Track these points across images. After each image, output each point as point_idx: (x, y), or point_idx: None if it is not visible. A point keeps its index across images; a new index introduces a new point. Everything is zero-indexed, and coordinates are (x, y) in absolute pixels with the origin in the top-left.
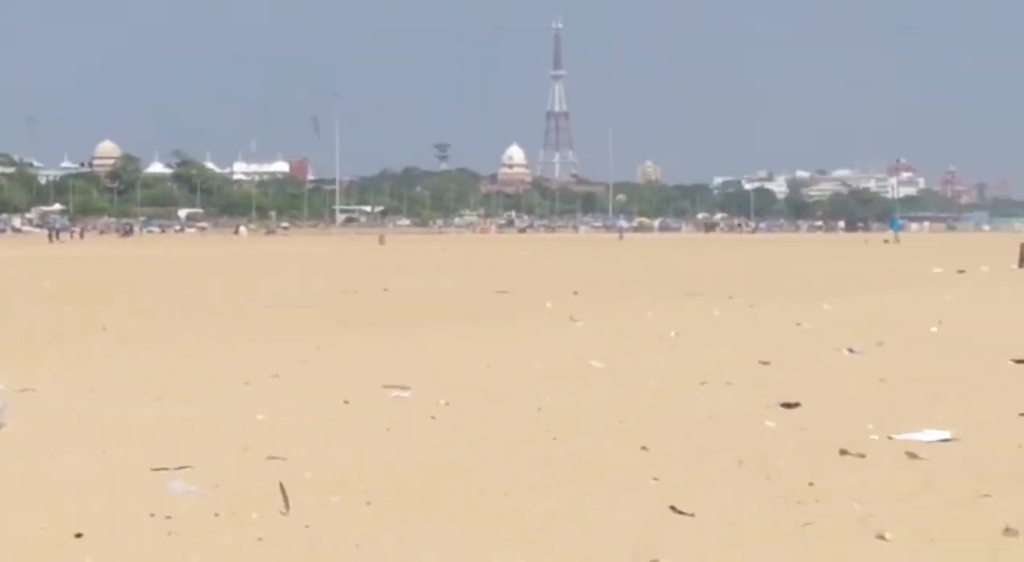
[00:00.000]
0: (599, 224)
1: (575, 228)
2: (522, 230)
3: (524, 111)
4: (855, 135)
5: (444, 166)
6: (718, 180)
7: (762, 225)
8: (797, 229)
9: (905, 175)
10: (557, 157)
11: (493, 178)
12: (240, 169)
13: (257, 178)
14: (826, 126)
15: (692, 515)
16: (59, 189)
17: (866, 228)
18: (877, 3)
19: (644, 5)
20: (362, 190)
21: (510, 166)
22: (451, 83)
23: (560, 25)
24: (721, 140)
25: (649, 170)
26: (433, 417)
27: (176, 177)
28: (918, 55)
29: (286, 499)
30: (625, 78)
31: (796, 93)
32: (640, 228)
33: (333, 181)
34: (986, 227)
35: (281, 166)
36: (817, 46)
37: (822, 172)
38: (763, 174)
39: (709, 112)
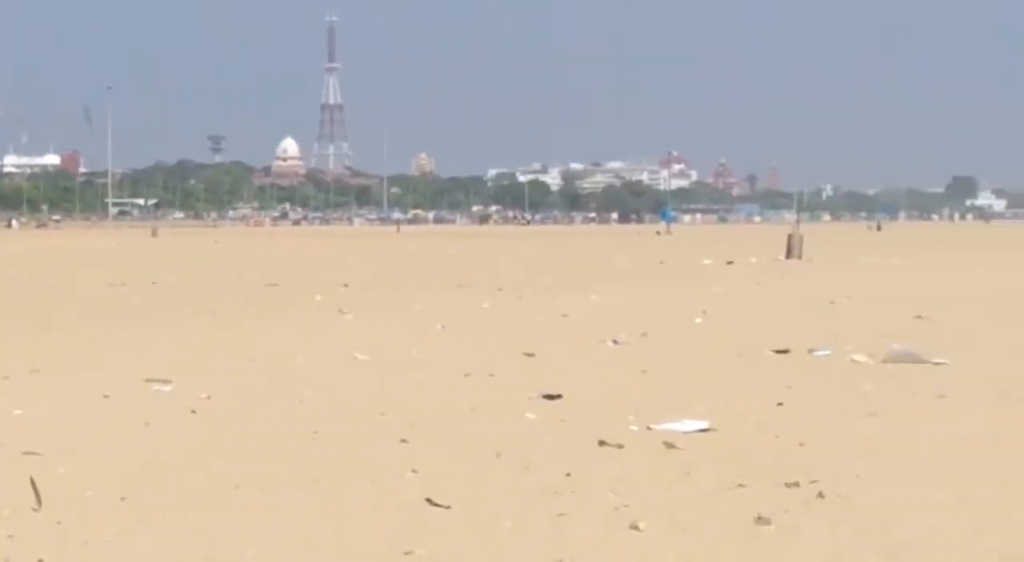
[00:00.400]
0: (374, 216)
1: (350, 220)
2: (296, 223)
3: (298, 104)
4: (628, 127)
5: (218, 158)
6: (492, 172)
7: (537, 217)
8: (571, 221)
9: (677, 167)
10: (332, 149)
11: (267, 170)
12: (11, 162)
13: (28, 171)
14: (599, 118)
15: (448, 507)
16: None
17: (639, 220)
18: None
19: None
20: (135, 183)
21: (284, 159)
22: (225, 75)
23: (334, 18)
24: (495, 133)
25: (423, 162)
26: (194, 411)
27: None
28: (687, 48)
29: (37, 494)
30: (399, 71)
31: (569, 85)
32: (415, 220)
33: (106, 174)
34: (757, 218)
35: (52, 159)
36: (588, 37)
37: (596, 164)
38: (537, 166)
39: (483, 105)
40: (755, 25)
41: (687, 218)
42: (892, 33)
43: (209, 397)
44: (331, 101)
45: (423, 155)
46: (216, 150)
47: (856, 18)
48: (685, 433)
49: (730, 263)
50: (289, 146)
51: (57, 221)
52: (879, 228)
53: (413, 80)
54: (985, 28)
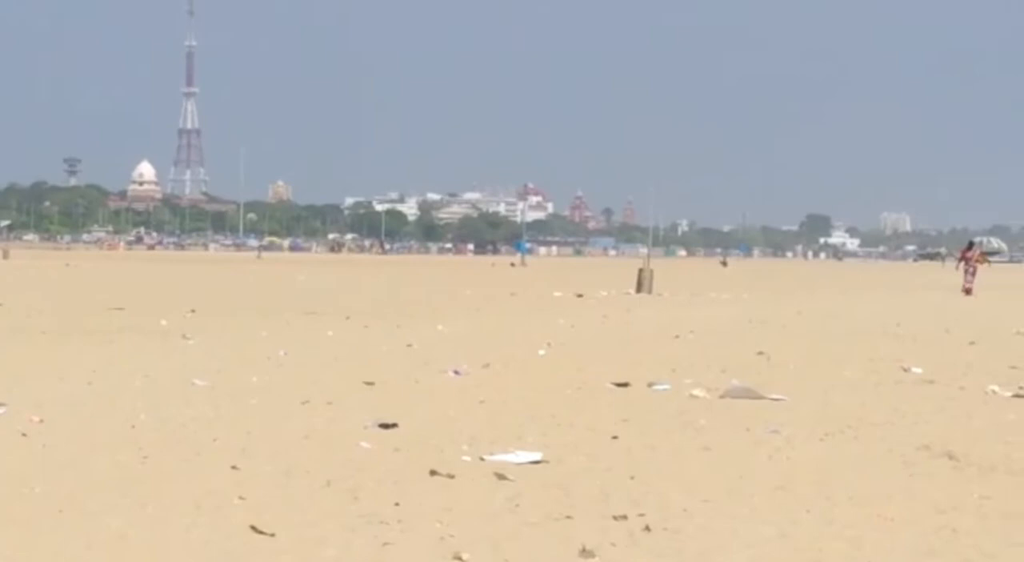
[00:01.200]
0: (229, 242)
1: (205, 246)
2: (151, 247)
3: (155, 128)
4: (485, 159)
5: (74, 181)
6: (349, 201)
7: (393, 246)
8: (428, 251)
9: (534, 199)
10: (188, 175)
11: (123, 194)
12: None
13: None
14: (457, 149)
15: (272, 535)
16: None
17: (496, 251)
18: (502, 28)
19: (276, 24)
20: None
21: (140, 183)
22: (82, 98)
23: (193, 42)
24: (353, 161)
25: (280, 189)
26: (24, 434)
27: None
28: (547, 79)
29: None
30: (257, 97)
31: (427, 115)
32: (270, 247)
33: None
34: (612, 252)
35: None
36: (446, 68)
37: (453, 195)
38: (394, 195)
39: (341, 133)
40: (614, 59)
41: (543, 250)
42: (747, 73)
43: (42, 420)
44: (188, 126)
45: (280, 182)
46: (72, 173)
47: (710, 57)
48: (517, 464)
49: (580, 296)
50: (145, 170)
51: None
52: (724, 264)
53: (271, 106)
54: (838, 70)
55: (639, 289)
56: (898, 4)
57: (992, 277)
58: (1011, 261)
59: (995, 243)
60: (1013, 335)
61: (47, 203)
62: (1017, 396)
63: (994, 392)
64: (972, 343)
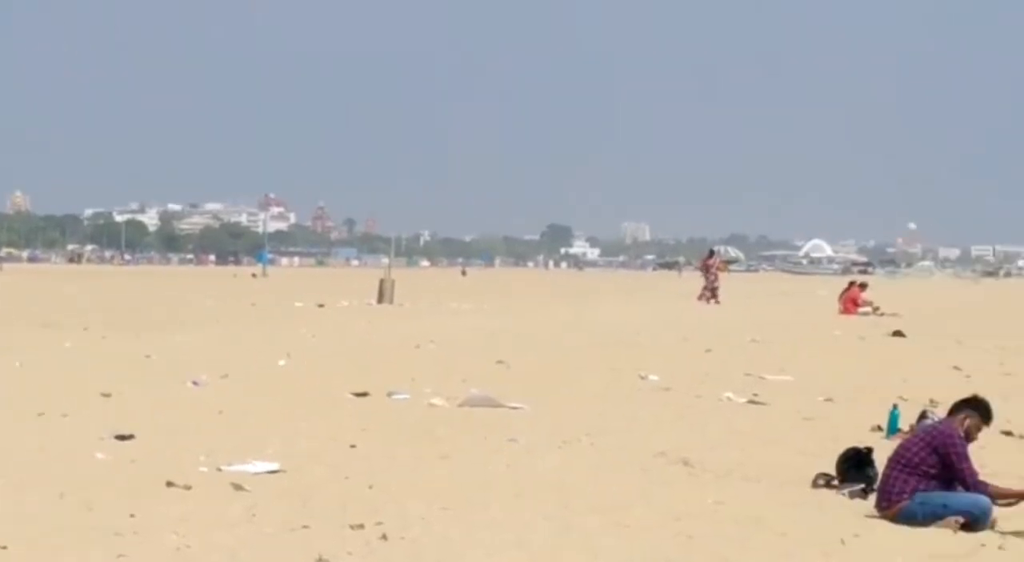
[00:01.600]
0: None
1: None
2: None
3: None
4: (226, 169)
5: None
6: (89, 211)
7: (134, 257)
8: (169, 262)
9: (276, 210)
10: None
11: None
12: None
13: None
14: (198, 159)
15: (4, 547)
16: None
17: (237, 262)
18: (241, 35)
19: (11, 27)
20: None
21: None
22: None
23: None
24: (92, 171)
25: (18, 200)
26: None
27: None
28: (287, 87)
29: None
30: None
31: (168, 123)
32: (8, 259)
33: None
34: (355, 262)
35: None
36: (186, 75)
37: (194, 205)
38: (135, 206)
39: (79, 142)
40: (354, 67)
41: (285, 261)
42: (488, 85)
43: None
44: None
45: (18, 193)
46: None
47: (450, 69)
48: (255, 474)
49: (321, 306)
50: None
51: None
52: (464, 273)
53: (8, 114)
54: (584, 84)
55: (380, 299)
56: (626, 10)
57: (729, 286)
58: (748, 270)
59: (732, 252)
60: (748, 343)
61: None
62: (751, 402)
63: (729, 399)
64: (708, 351)
